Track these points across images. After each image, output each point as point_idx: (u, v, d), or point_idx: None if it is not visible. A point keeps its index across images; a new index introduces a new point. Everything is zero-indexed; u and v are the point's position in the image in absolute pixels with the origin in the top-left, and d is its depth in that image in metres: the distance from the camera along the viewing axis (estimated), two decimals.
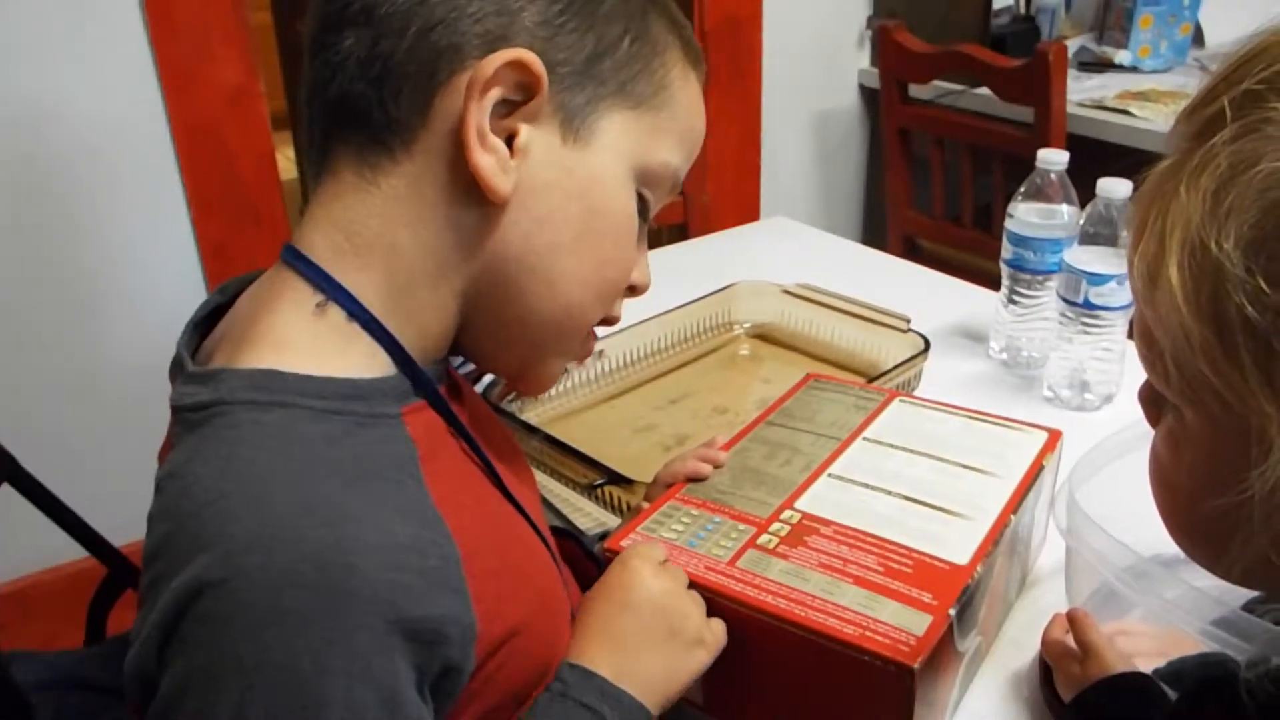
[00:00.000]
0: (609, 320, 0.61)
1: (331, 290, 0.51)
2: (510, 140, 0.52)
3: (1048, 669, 0.66)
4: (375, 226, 0.52)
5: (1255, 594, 0.59)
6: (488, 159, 0.50)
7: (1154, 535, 0.51)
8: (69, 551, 1.12)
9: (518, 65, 0.50)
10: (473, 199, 0.52)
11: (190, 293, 1.72)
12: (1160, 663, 0.61)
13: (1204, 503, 0.43)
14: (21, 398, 1.61)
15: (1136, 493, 0.51)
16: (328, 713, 0.42)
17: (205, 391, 0.48)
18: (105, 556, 1.11)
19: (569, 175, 0.54)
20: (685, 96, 0.58)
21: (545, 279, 0.55)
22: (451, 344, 0.57)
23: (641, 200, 0.57)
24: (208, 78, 1.64)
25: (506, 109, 0.51)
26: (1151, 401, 0.48)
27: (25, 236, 1.57)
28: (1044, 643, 0.67)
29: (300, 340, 0.50)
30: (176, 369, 0.52)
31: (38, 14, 1.49)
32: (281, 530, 0.43)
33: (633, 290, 0.61)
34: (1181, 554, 0.50)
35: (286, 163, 3.63)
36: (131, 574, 1.13)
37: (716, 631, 0.59)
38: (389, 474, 0.49)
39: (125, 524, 1.33)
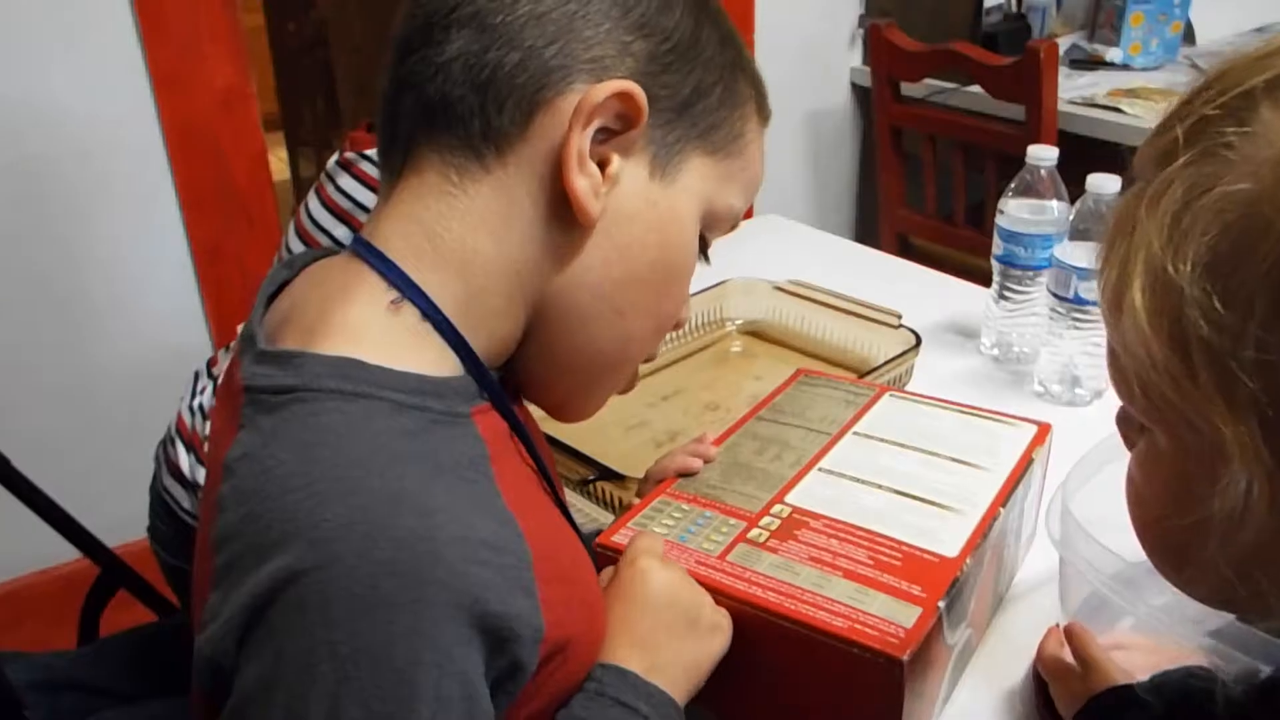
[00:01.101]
0: (650, 357, 0.62)
1: (407, 290, 0.51)
2: (602, 167, 0.53)
3: (1042, 684, 0.65)
4: (457, 231, 0.52)
5: None
6: (584, 182, 0.51)
7: None
8: (61, 552, 1.12)
9: (624, 96, 0.51)
10: (559, 218, 0.53)
11: (183, 294, 1.72)
12: None
13: (1171, 522, 0.44)
14: (14, 398, 1.61)
15: None
16: (419, 703, 0.42)
17: (285, 375, 0.48)
18: (98, 557, 1.11)
19: (652, 209, 0.55)
20: (755, 149, 0.60)
21: (615, 307, 0.56)
22: (508, 360, 0.58)
23: (702, 240, 0.59)
24: (199, 79, 1.63)
25: (603, 136, 0.52)
26: (1127, 423, 0.49)
27: (17, 238, 1.56)
28: (1040, 659, 0.66)
29: (375, 334, 0.50)
30: (248, 345, 0.51)
31: (29, 16, 1.49)
32: (373, 518, 0.43)
33: (676, 325, 0.62)
34: None
35: (279, 164, 3.62)
36: (124, 574, 1.13)
37: (726, 614, 0.60)
38: (464, 471, 0.49)
39: (118, 524, 1.33)
